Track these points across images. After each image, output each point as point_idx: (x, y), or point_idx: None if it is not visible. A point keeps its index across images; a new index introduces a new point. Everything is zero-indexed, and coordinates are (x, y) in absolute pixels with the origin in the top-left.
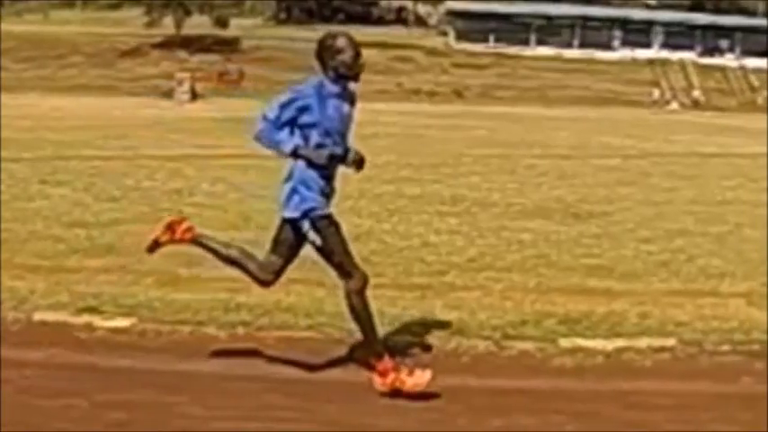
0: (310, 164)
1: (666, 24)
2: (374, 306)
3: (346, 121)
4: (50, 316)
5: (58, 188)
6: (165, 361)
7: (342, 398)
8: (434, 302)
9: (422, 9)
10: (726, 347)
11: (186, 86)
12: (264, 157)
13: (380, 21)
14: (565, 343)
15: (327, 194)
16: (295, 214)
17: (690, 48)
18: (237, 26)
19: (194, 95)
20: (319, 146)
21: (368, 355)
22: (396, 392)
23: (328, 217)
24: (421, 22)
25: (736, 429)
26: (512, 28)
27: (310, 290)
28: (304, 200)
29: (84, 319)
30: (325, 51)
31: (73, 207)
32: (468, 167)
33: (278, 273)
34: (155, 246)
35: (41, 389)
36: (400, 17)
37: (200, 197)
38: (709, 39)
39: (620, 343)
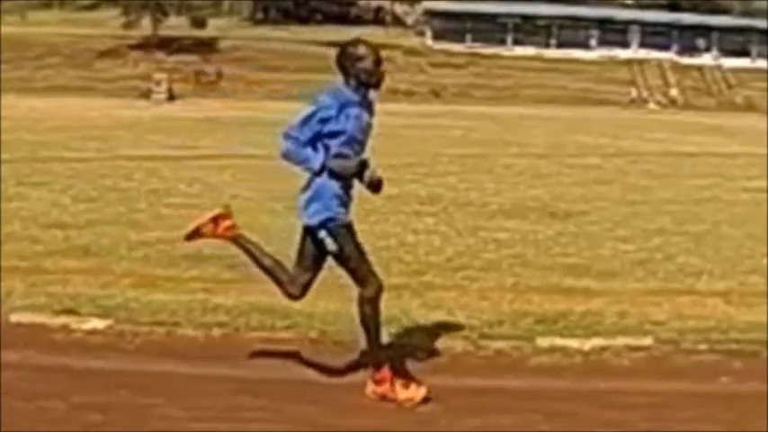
0: (333, 175)
1: (644, 24)
2: (351, 307)
3: (366, 130)
4: (27, 317)
5: (35, 189)
6: (141, 362)
7: (318, 399)
8: (412, 302)
9: (399, 9)
10: (703, 346)
11: (164, 87)
12: (241, 158)
13: (358, 21)
14: (542, 342)
15: (346, 203)
16: (312, 222)
17: (667, 47)
18: (215, 27)
19: (172, 96)
20: (338, 155)
21: (370, 360)
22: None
23: (346, 225)
24: (398, 22)
25: (714, 429)
26: (489, 28)
27: None
28: (322, 210)
29: (61, 320)
30: (345, 59)
31: (50, 208)
32: (444, 167)
33: (305, 287)
34: (195, 235)
35: (18, 391)
36: (378, 17)
37: (178, 197)
38: (687, 38)
39: (598, 342)
